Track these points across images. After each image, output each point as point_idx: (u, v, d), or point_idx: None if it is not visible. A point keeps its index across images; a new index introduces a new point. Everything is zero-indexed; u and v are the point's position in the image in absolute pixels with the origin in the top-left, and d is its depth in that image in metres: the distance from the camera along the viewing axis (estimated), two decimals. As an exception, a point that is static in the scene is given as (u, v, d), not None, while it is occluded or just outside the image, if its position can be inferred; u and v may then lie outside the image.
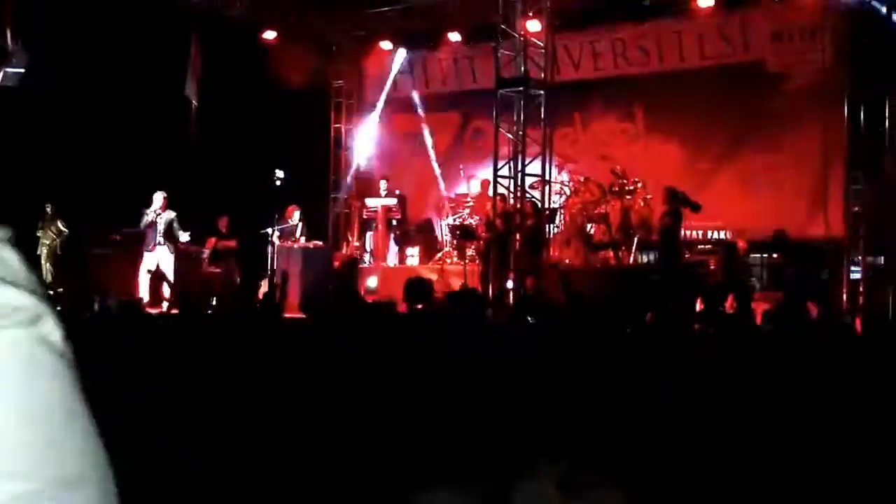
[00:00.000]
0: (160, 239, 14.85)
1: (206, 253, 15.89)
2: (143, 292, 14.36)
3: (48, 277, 15.47)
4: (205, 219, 16.15)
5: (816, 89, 14.83)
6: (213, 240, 16.08)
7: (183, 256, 15.52)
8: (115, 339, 6.84)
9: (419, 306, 9.22)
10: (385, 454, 4.52)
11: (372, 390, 5.15)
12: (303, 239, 15.96)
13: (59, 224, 15.60)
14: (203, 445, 4.65)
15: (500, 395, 4.99)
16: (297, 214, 16.27)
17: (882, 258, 13.13)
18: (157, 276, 14.44)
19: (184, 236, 15.09)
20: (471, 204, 16.62)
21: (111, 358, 5.98)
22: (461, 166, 17.79)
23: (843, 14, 14.11)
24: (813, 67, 14.95)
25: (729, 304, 10.32)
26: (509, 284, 14.00)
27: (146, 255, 14.91)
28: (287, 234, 15.95)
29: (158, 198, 14.89)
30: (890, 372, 5.53)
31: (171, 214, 14.86)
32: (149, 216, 14.87)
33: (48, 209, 15.61)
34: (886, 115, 13.39)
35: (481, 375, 5.34)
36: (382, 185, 17.57)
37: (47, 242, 15.65)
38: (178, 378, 5.46)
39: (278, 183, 16.13)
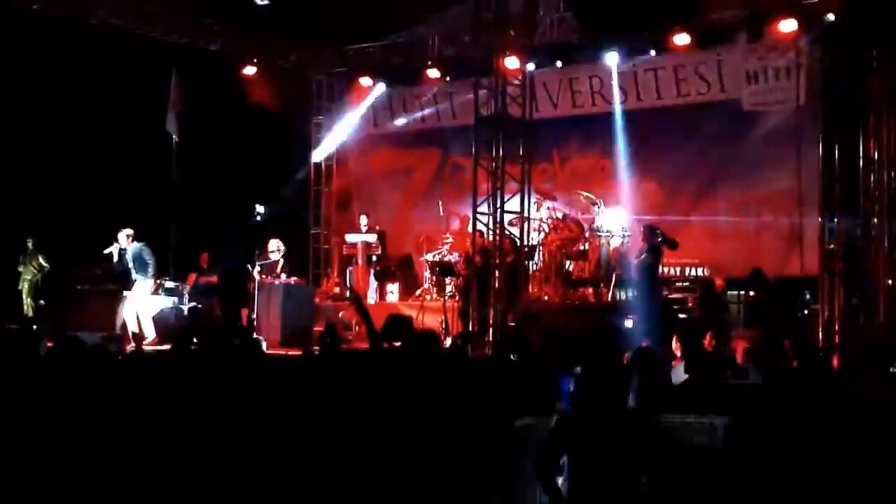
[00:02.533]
0: (132, 274, 14.41)
1: (187, 289, 15.84)
2: (128, 328, 14.07)
3: (29, 312, 15.42)
4: (186, 254, 16.14)
5: (791, 128, 14.99)
6: (193, 275, 16.06)
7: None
8: (91, 374, 6.84)
9: (397, 343, 9.23)
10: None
11: (347, 427, 5.18)
12: (283, 275, 15.94)
13: (41, 259, 15.56)
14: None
15: (475, 431, 5.02)
16: (272, 244, 16.20)
17: (857, 296, 13.22)
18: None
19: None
20: (450, 240, 16.67)
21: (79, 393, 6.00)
22: (440, 202, 17.81)
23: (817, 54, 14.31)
24: (788, 106, 15.13)
25: (707, 341, 10.37)
26: (489, 321, 14.02)
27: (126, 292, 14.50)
28: (268, 270, 15.94)
29: (122, 236, 14.45)
30: (868, 408, 5.59)
31: (137, 246, 14.37)
32: (115, 256, 14.47)
33: (29, 244, 15.56)
34: (860, 153, 13.52)
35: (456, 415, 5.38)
36: (363, 220, 17.60)
37: (28, 277, 15.60)
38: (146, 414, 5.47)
39: (258, 218, 16.18)
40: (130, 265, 14.37)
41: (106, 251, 14.44)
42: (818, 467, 4.72)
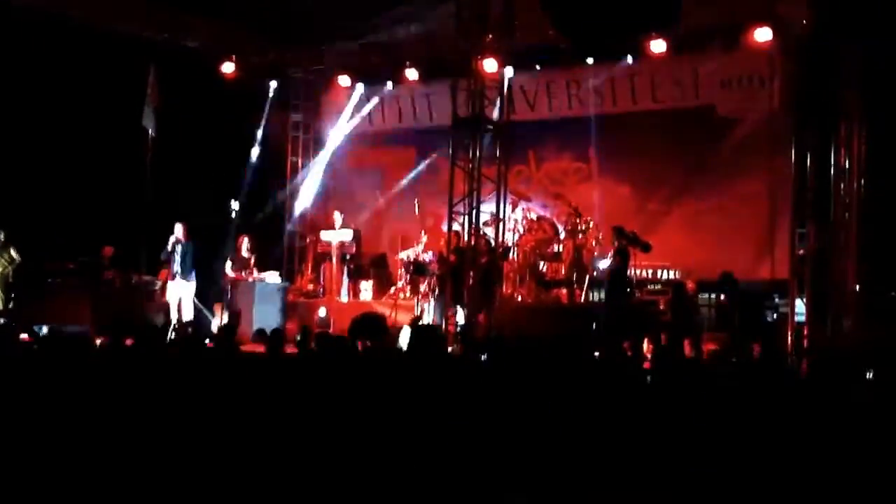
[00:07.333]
0: (177, 269, 15.06)
1: (160, 284, 15.81)
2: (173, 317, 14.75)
3: (-1, 305, 15.34)
4: (159, 249, 16.08)
5: (764, 134, 15.17)
6: (165, 271, 15.99)
7: (135, 287, 15.49)
8: (65, 367, 6.86)
9: (369, 343, 9.30)
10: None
11: (328, 428, 5.21)
12: (255, 271, 15.94)
13: (12, 251, 15.47)
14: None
15: (446, 434, 5.07)
16: (245, 242, 16.21)
17: (826, 301, 13.37)
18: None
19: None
20: (425, 239, 16.71)
21: (53, 387, 6.02)
22: (416, 202, 17.82)
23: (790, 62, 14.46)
24: (761, 114, 15.29)
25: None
26: (462, 321, 14.06)
27: (169, 284, 15.24)
28: (241, 266, 15.94)
29: (178, 228, 15.11)
30: (832, 413, 5.70)
31: (189, 245, 15.11)
32: (168, 246, 15.10)
33: (1, 236, 15.48)
34: (832, 160, 13.70)
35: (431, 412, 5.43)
36: (337, 218, 17.61)
37: (-1, 269, 15.52)
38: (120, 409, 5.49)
39: (233, 215, 16.19)
40: (177, 260, 15.01)
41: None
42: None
